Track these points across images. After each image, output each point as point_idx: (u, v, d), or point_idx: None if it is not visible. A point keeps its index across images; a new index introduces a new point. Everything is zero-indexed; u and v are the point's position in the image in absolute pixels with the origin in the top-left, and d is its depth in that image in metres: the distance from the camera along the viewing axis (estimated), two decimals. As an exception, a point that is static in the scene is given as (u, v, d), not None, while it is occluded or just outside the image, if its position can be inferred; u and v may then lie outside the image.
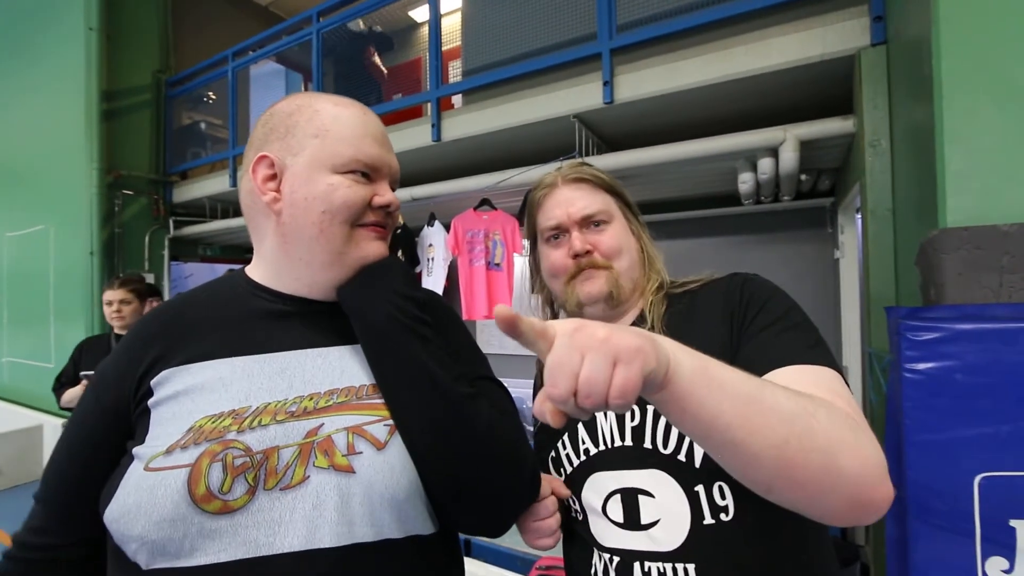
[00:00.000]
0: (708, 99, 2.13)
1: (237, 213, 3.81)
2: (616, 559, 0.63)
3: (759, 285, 0.67)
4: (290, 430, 0.53)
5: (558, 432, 0.71)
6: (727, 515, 0.58)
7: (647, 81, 2.14)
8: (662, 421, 0.63)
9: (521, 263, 2.55)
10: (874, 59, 1.68)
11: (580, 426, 0.69)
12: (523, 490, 0.61)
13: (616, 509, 0.64)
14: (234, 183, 3.56)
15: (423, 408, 0.55)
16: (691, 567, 0.58)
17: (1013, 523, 0.93)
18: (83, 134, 3.68)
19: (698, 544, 0.58)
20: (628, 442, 0.65)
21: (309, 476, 0.51)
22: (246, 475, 0.49)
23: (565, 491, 0.69)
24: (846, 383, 0.56)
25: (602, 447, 0.67)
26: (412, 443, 0.55)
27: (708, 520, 0.59)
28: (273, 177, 0.59)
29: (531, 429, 0.82)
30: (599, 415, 0.68)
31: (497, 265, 2.59)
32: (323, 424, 0.54)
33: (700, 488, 0.59)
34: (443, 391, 0.55)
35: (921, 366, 1.12)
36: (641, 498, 0.62)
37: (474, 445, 0.55)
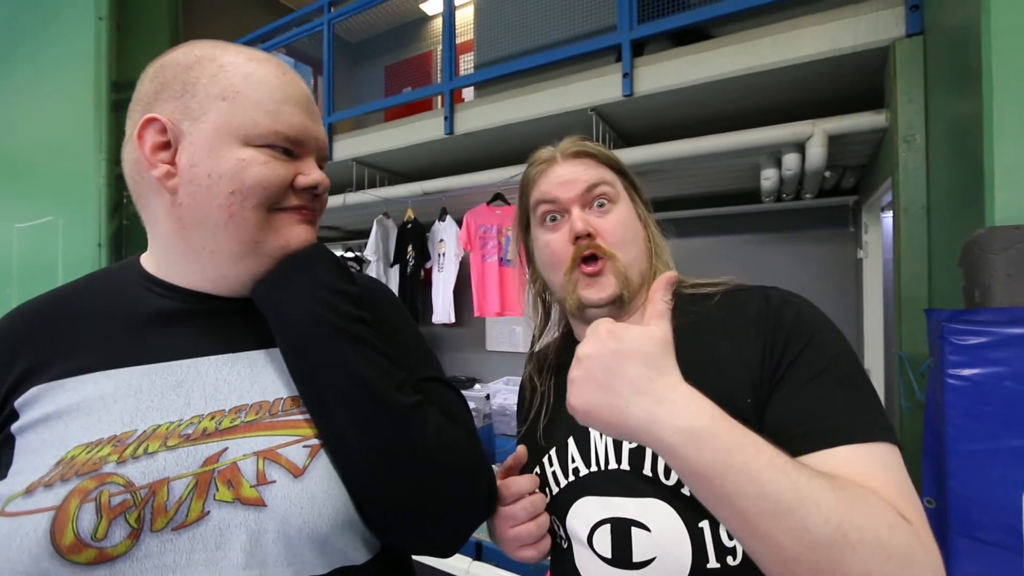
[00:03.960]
0: (731, 92, 2.07)
1: (245, 206, 3.77)
2: None
3: (801, 312, 0.55)
4: (183, 457, 0.43)
5: (544, 446, 0.64)
6: (735, 559, 0.50)
7: (668, 73, 2.07)
8: None
9: (534, 259, 2.50)
10: (910, 50, 1.61)
11: (571, 441, 0.61)
12: (477, 505, 0.53)
13: (604, 542, 0.55)
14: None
15: (360, 424, 0.46)
16: None
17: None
18: (92, 124, 3.66)
19: None
20: (624, 466, 0.56)
21: (209, 512, 0.42)
22: (126, 516, 0.40)
23: (526, 489, 0.59)
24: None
25: (593, 468, 0.58)
26: (346, 465, 0.46)
27: (712, 564, 0.51)
28: (166, 146, 0.47)
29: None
30: (593, 431, 0.60)
31: (510, 261, 2.54)
32: (227, 449, 0.44)
33: (705, 524, 0.51)
34: (384, 403, 0.47)
35: (966, 372, 1.06)
36: (634, 531, 0.54)
37: (421, 461, 0.47)
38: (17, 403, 0.45)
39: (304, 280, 0.49)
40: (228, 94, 0.47)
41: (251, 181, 0.46)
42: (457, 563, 1.54)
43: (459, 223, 2.64)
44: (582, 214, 0.62)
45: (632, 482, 0.55)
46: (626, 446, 0.57)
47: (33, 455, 0.43)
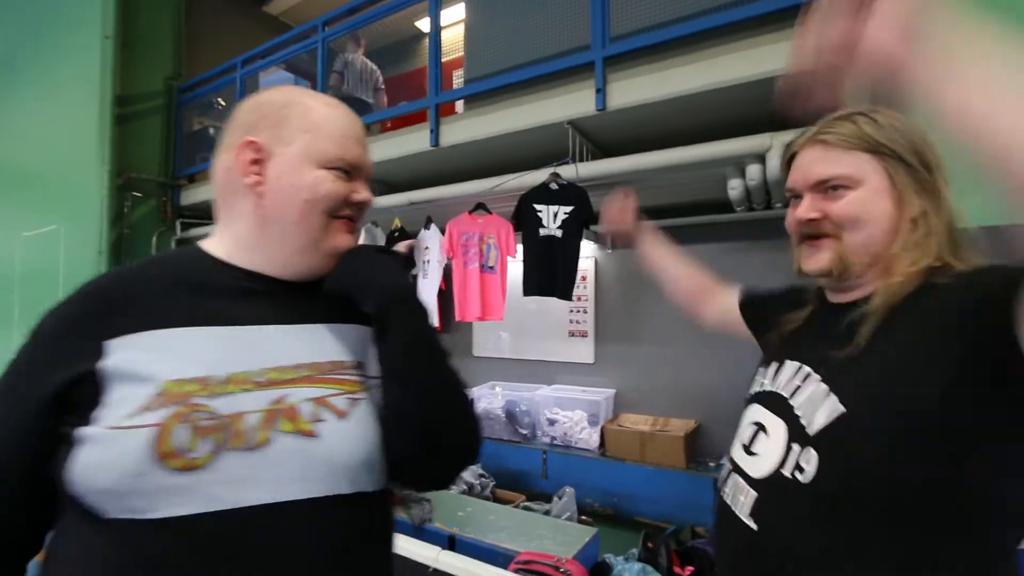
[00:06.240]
0: (699, 106, 2.17)
1: (242, 216, 3.89)
2: (729, 467, 0.76)
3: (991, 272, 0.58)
4: (256, 398, 0.56)
5: (764, 358, 0.81)
6: (801, 476, 0.62)
7: (638, 88, 2.18)
8: (817, 393, 0.65)
9: (514, 266, 2.59)
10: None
11: (773, 365, 0.76)
12: (478, 446, 0.71)
13: (747, 435, 0.74)
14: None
15: (431, 366, 0.65)
16: (753, 495, 0.68)
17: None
18: (96, 138, 3.79)
19: (769, 483, 0.67)
20: (787, 395, 0.70)
21: (272, 439, 0.55)
22: (212, 435, 0.52)
23: None
24: None
25: (772, 388, 0.74)
26: (418, 395, 0.62)
27: (785, 471, 0.65)
28: (257, 161, 0.62)
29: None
30: (789, 367, 0.72)
31: (491, 268, 2.63)
32: (288, 394, 0.58)
33: (795, 447, 0.65)
34: (443, 352, 0.67)
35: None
36: (760, 434, 0.72)
37: (459, 396, 0.67)
38: (111, 345, 0.55)
39: (382, 263, 0.67)
40: (312, 128, 0.63)
41: (323, 193, 0.62)
42: (427, 552, 1.61)
43: (443, 231, 2.74)
44: (810, 201, 0.69)
45: (781, 405, 0.70)
46: (794, 382, 0.69)
47: (132, 388, 0.53)
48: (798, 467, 0.63)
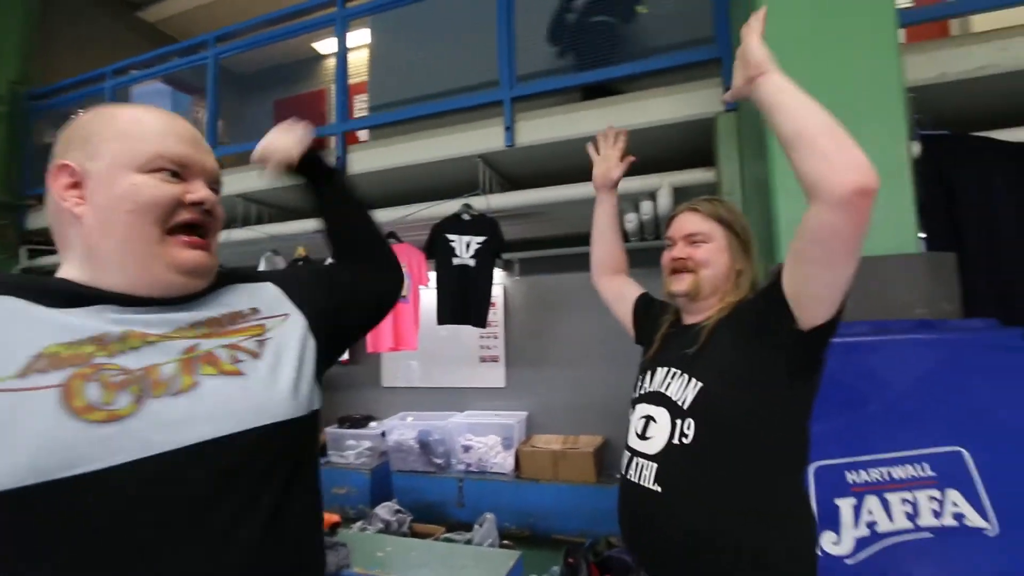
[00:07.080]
0: (598, 147, 2.38)
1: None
2: (629, 454, 1.00)
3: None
4: (166, 349, 0.53)
5: (645, 368, 1.06)
6: (687, 440, 0.90)
7: (545, 128, 2.34)
8: (683, 382, 0.94)
9: (426, 295, 2.59)
10: (728, 122, 2.00)
11: (649, 372, 1.03)
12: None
13: (640, 426, 0.99)
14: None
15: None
16: (655, 466, 0.93)
17: (837, 501, 1.14)
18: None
19: (665, 454, 0.92)
20: (663, 390, 0.97)
21: (198, 382, 0.53)
22: (129, 388, 0.49)
23: None
24: None
25: (652, 389, 1.00)
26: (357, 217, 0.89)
27: (675, 441, 0.92)
28: (76, 185, 0.57)
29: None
30: (660, 372, 1.00)
31: (403, 297, 2.61)
32: (199, 343, 0.56)
33: (679, 421, 0.92)
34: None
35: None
36: (651, 422, 0.97)
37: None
38: None
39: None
40: (119, 136, 0.57)
41: (145, 199, 0.56)
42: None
43: (353, 260, 2.66)
44: (682, 246, 1.02)
45: (662, 399, 0.97)
46: (667, 380, 0.97)
47: None
48: (683, 435, 0.91)
